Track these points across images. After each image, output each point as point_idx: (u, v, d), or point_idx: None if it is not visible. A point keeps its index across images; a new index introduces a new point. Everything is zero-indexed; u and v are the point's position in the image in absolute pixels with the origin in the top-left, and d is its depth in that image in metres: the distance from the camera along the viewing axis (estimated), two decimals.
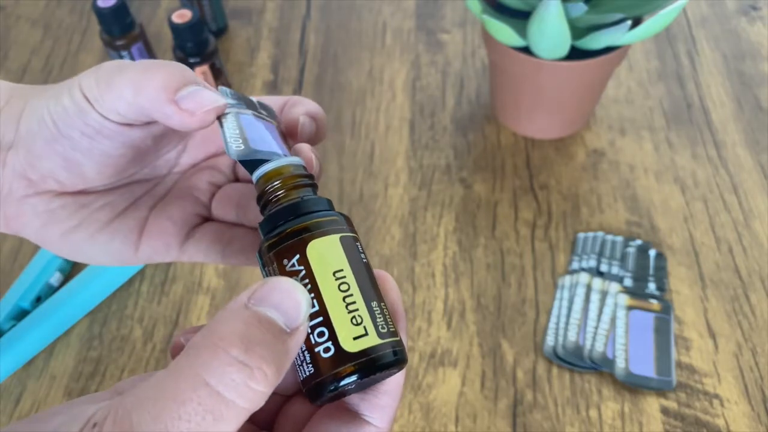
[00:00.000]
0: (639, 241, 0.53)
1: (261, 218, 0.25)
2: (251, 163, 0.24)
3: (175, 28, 0.59)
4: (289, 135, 0.28)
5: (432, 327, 0.50)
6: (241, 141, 0.24)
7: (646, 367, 0.47)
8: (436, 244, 0.54)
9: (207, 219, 0.30)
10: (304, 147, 0.27)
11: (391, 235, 0.55)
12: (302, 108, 0.28)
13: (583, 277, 0.51)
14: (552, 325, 0.49)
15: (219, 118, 0.25)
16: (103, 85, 0.25)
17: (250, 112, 0.26)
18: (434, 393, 0.47)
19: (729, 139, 0.60)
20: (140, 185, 0.29)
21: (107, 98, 0.24)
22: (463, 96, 0.64)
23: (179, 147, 0.30)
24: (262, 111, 0.28)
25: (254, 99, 0.28)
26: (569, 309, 0.50)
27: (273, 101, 0.30)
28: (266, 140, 0.25)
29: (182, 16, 0.59)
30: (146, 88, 0.24)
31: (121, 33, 0.60)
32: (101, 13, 0.59)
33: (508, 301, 0.51)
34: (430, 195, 0.57)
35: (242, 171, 0.30)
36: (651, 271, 0.51)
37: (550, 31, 0.48)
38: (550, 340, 0.48)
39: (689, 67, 0.65)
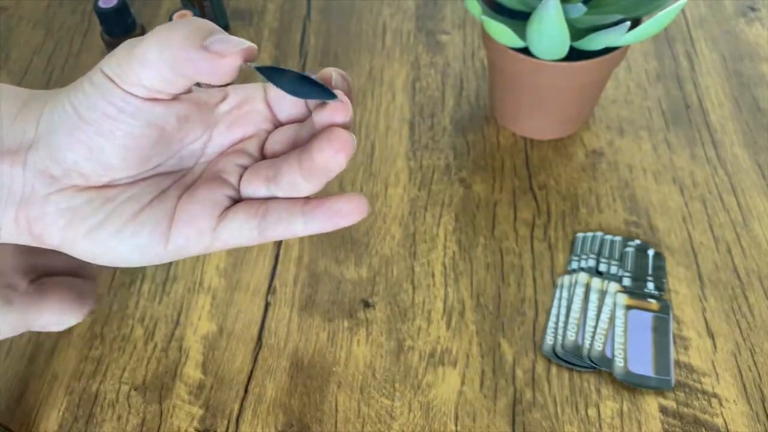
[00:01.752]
0: (638, 241, 0.53)
1: (294, 185, 0.26)
2: (269, 69, 0.24)
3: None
4: None
5: (432, 326, 0.50)
6: (262, 64, 0.24)
7: (644, 367, 0.47)
8: (435, 243, 0.54)
9: (237, 201, 0.28)
10: (339, 91, 0.26)
11: (391, 235, 0.55)
12: (332, 69, 0.28)
13: (582, 277, 0.51)
14: (551, 324, 0.49)
15: (246, 63, 0.25)
16: (123, 57, 0.24)
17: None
18: (434, 392, 0.47)
19: (727, 140, 0.60)
20: (166, 177, 0.29)
21: (130, 69, 0.24)
22: (463, 97, 0.64)
23: (204, 137, 0.29)
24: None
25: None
26: (568, 308, 0.50)
27: None
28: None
29: (183, 16, 0.59)
30: (172, 42, 0.24)
31: (123, 34, 0.61)
32: (102, 14, 0.59)
33: (508, 301, 0.51)
34: (430, 195, 0.57)
35: (270, 150, 0.29)
36: (649, 271, 0.51)
37: (549, 32, 0.48)
38: (549, 340, 0.49)
39: (688, 68, 0.66)
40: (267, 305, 0.52)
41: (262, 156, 0.29)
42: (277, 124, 0.30)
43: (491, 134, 0.61)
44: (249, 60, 0.24)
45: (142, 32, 0.62)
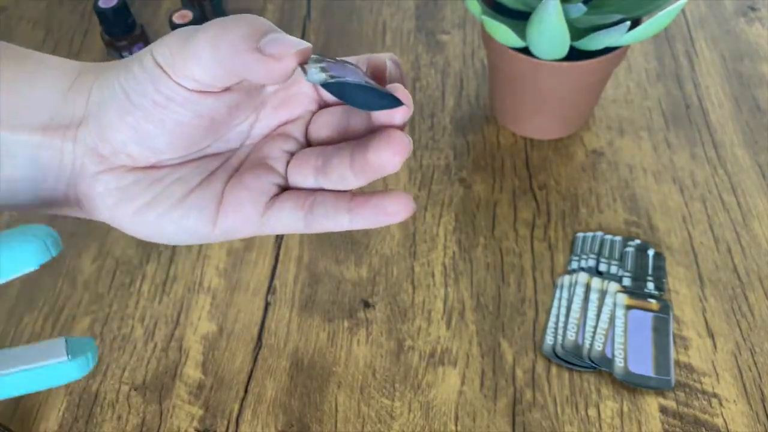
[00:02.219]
0: (638, 241, 0.53)
1: (343, 179, 0.25)
2: (335, 84, 0.23)
3: (176, 29, 0.59)
4: (377, 79, 0.27)
5: (432, 326, 0.50)
6: (323, 73, 0.23)
7: (644, 367, 0.47)
8: (435, 243, 0.54)
9: (285, 189, 0.28)
10: (399, 85, 0.25)
11: (391, 235, 0.55)
12: (385, 55, 0.27)
13: (582, 277, 0.51)
14: (551, 324, 0.49)
15: (301, 65, 0.24)
16: (176, 49, 0.24)
17: (332, 59, 0.25)
18: (434, 392, 0.47)
19: (727, 140, 0.60)
20: (213, 159, 0.28)
21: (182, 63, 0.24)
22: (463, 96, 0.64)
23: (251, 118, 0.29)
24: (348, 62, 0.27)
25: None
26: (568, 308, 0.50)
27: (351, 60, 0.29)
28: (348, 72, 0.25)
29: (183, 16, 0.59)
30: (225, 42, 0.23)
31: (123, 34, 0.61)
32: (102, 14, 0.59)
33: (508, 301, 0.51)
34: (430, 195, 0.57)
35: (315, 134, 0.29)
36: (650, 271, 0.51)
37: (550, 32, 0.48)
38: (549, 340, 0.49)
39: (688, 68, 0.66)
40: (267, 305, 0.52)
41: (307, 141, 0.29)
42: (323, 105, 0.29)
43: (491, 134, 0.61)
44: (304, 62, 0.24)
45: (142, 32, 0.62)
